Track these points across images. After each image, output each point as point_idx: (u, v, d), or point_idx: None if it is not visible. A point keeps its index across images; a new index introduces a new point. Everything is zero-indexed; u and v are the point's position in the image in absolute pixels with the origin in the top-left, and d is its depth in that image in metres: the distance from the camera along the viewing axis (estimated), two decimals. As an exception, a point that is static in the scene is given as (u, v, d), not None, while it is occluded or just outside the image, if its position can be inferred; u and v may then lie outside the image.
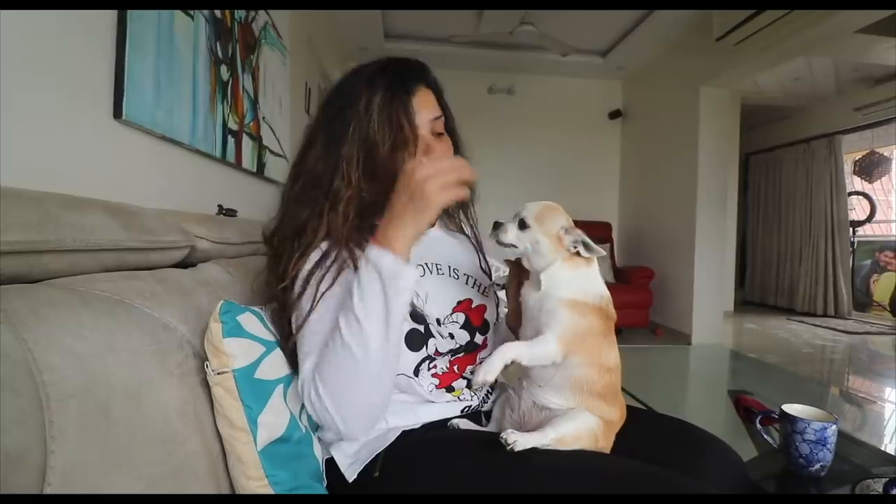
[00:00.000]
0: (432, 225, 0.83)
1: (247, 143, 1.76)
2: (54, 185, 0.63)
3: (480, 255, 0.86)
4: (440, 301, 0.74)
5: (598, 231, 4.35)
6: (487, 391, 0.79)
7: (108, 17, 0.99)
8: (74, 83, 0.91)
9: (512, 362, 0.61)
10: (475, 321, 0.76)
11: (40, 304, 0.43)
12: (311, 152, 0.70)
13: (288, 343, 0.65)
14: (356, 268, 0.61)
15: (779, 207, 5.74)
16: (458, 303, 0.76)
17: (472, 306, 0.77)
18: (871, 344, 3.93)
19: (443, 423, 0.70)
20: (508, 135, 4.65)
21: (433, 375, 0.72)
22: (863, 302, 5.26)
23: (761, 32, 2.89)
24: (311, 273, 0.64)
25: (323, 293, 0.63)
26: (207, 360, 0.58)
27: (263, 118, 1.95)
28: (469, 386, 0.75)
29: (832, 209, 5.14)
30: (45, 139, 0.84)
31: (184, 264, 0.77)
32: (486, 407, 0.77)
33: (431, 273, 0.76)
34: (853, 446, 0.94)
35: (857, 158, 5.35)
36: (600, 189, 4.89)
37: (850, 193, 5.23)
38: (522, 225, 0.67)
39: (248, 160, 1.79)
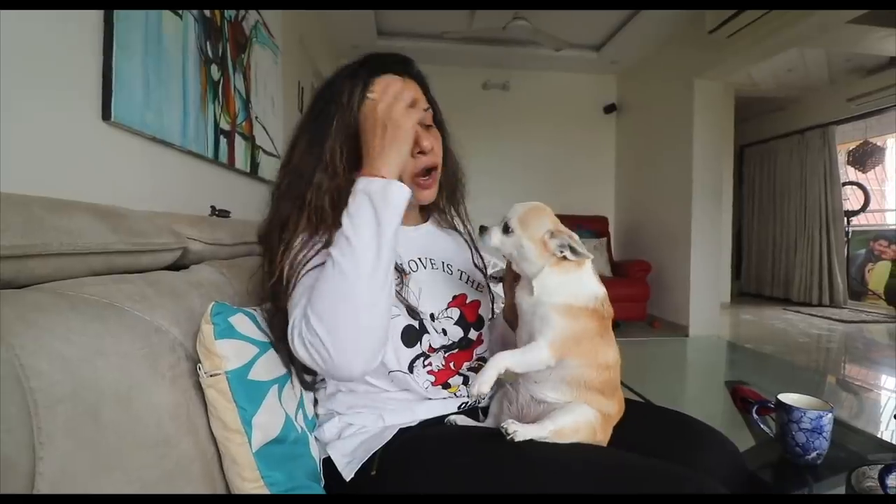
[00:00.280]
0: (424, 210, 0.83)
1: (239, 143, 1.75)
2: (42, 189, 0.63)
3: (474, 251, 0.85)
4: (434, 296, 0.73)
5: (594, 225, 4.36)
6: None
7: (95, 17, 0.98)
8: (61, 85, 0.90)
9: (506, 371, 0.61)
10: (469, 317, 0.76)
11: (27, 308, 0.43)
12: (296, 150, 0.70)
13: (281, 343, 0.64)
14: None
15: (774, 199, 5.76)
16: (453, 297, 0.75)
17: (467, 302, 0.77)
18: (866, 332, 3.96)
19: (440, 420, 0.70)
20: (504, 130, 4.65)
21: (429, 373, 0.72)
22: (858, 291, 5.30)
23: (754, 24, 2.89)
24: (295, 257, 0.64)
25: (309, 259, 0.63)
26: (200, 362, 0.57)
27: (256, 118, 1.94)
28: (465, 382, 0.75)
29: (827, 199, 5.16)
30: (31, 142, 0.83)
31: (176, 266, 0.76)
32: (482, 403, 0.77)
33: (425, 268, 0.76)
34: (849, 434, 0.94)
35: (850, 148, 5.37)
36: (596, 183, 4.89)
37: (845, 183, 5.26)
38: (506, 229, 0.66)
39: (241, 160, 1.78)
